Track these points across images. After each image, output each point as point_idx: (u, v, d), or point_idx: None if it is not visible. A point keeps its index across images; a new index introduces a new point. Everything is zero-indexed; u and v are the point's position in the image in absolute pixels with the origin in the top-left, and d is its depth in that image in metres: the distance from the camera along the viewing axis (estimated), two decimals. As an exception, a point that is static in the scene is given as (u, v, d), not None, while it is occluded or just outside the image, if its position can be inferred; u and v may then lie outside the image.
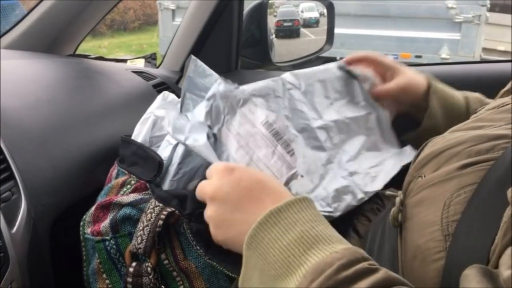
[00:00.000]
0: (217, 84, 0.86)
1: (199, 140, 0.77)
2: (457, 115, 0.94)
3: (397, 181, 0.83)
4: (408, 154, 0.92)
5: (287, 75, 0.92)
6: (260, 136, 0.83)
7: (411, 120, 1.01)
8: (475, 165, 0.61)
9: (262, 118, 0.86)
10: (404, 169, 0.79)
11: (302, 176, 0.85)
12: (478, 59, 6.01)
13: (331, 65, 0.97)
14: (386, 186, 0.98)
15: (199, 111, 0.84)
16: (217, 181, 0.63)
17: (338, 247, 0.52)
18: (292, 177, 0.83)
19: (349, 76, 0.96)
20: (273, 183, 0.62)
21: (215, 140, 0.82)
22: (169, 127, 0.79)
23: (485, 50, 6.49)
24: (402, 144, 0.97)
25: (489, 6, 6.22)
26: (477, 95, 1.00)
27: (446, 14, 6.10)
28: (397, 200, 0.77)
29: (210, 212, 0.63)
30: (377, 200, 0.95)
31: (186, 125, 0.81)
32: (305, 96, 0.91)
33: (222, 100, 0.85)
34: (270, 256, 0.53)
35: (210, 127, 0.81)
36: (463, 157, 0.64)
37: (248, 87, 0.89)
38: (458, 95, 0.98)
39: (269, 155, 0.83)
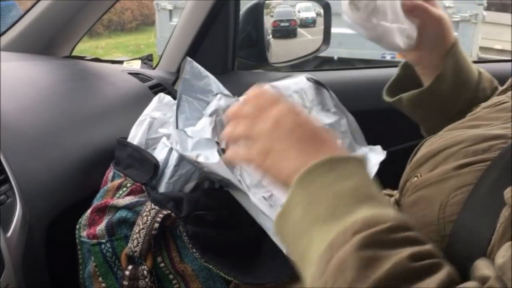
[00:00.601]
0: (218, 99, 0.87)
1: (211, 158, 0.78)
2: (466, 88, 0.88)
3: (393, 181, 0.83)
4: (379, 150, 0.95)
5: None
6: None
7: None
8: (472, 165, 0.61)
9: None
10: (400, 169, 0.79)
11: None
12: (475, 58, 6.03)
13: (301, 77, 1.00)
14: (383, 186, 0.98)
15: (203, 128, 0.84)
16: (293, 112, 0.61)
17: (391, 211, 0.51)
18: None
19: (318, 85, 1.00)
20: (333, 141, 0.61)
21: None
22: (176, 146, 0.80)
23: (482, 49, 6.50)
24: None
25: (486, 5, 6.23)
26: (489, 75, 0.94)
27: (443, 13, 6.10)
28: (393, 200, 0.77)
29: (268, 131, 0.60)
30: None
31: (188, 141, 0.81)
32: None
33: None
34: (318, 198, 0.52)
35: (217, 143, 0.82)
36: (460, 157, 0.64)
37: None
38: (474, 68, 0.91)
39: None
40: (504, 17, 6.92)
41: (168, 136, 0.81)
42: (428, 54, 0.87)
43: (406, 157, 0.80)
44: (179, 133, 0.81)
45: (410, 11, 0.80)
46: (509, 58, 1.73)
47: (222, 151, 0.81)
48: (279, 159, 0.58)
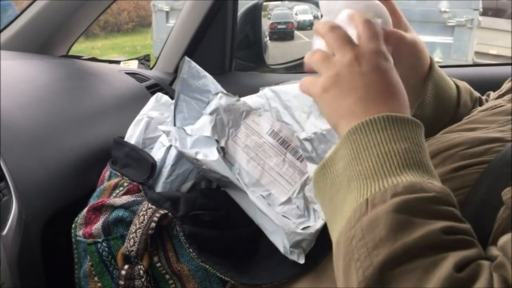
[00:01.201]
0: (218, 98, 0.87)
1: (210, 156, 0.79)
2: (447, 107, 0.85)
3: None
4: None
5: (267, 91, 0.94)
6: (268, 146, 0.85)
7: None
8: (469, 168, 0.62)
9: (267, 127, 0.88)
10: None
11: None
12: (471, 63, 6.06)
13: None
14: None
15: (203, 126, 0.84)
16: (378, 55, 0.58)
17: (437, 183, 0.51)
18: (306, 182, 0.84)
19: None
20: (405, 98, 0.59)
21: (224, 154, 0.83)
22: (176, 143, 0.80)
23: (477, 53, 6.54)
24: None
25: (481, 10, 6.27)
26: (466, 85, 0.91)
27: (439, 18, 6.14)
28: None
29: (343, 65, 0.57)
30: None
31: (187, 139, 0.81)
32: (286, 110, 0.92)
33: (226, 114, 0.86)
34: (364, 154, 0.51)
35: (217, 141, 0.82)
36: (458, 159, 0.64)
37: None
38: (452, 84, 0.88)
39: (280, 163, 0.84)
40: (499, 22, 6.97)
41: (167, 133, 0.81)
42: (406, 80, 0.82)
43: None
44: (178, 131, 0.81)
45: (385, 40, 0.71)
46: (503, 62, 1.74)
47: (221, 149, 0.81)
48: (339, 97, 0.56)
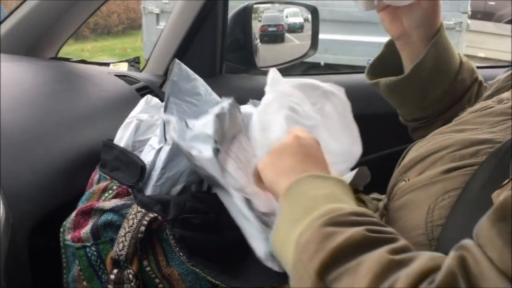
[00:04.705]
0: (228, 105, 0.86)
1: (205, 152, 0.78)
2: (444, 78, 0.88)
3: (381, 185, 0.83)
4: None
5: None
6: None
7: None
8: (459, 170, 0.62)
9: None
10: (388, 173, 0.79)
11: None
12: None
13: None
14: (370, 191, 0.99)
15: (206, 124, 0.82)
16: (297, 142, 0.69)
17: (361, 209, 0.56)
18: None
19: None
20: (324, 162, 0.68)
21: (217, 156, 0.82)
22: (174, 133, 0.79)
23: (466, 56, 6.58)
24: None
25: (470, 13, 6.31)
26: (470, 64, 0.95)
27: (428, 21, 6.17)
28: (381, 204, 0.77)
29: (284, 141, 0.70)
30: (360, 204, 0.95)
31: (187, 132, 0.80)
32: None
33: (229, 122, 0.85)
34: (295, 204, 0.59)
35: (215, 141, 0.81)
36: (447, 161, 0.65)
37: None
38: (456, 59, 0.91)
39: None
40: (487, 25, 7.03)
41: (167, 122, 0.80)
42: (410, 31, 0.87)
43: (394, 161, 0.80)
44: (179, 122, 0.80)
45: None
46: (491, 65, 1.74)
47: (216, 150, 0.80)
48: (282, 158, 0.67)
